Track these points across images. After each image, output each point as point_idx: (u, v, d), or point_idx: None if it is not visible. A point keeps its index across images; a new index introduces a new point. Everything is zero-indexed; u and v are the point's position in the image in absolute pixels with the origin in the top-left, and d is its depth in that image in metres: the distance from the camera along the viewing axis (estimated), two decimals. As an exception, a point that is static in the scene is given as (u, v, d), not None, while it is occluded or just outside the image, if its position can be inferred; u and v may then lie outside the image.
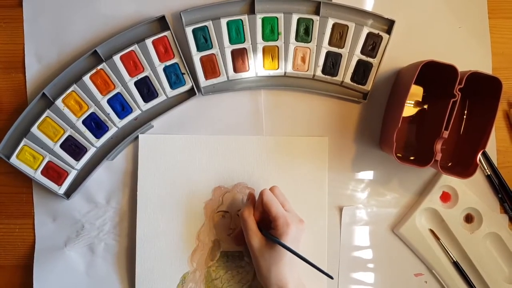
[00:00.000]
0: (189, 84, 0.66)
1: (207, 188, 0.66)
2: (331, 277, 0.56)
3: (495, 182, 0.67)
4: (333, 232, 0.67)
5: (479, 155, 0.61)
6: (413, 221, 0.66)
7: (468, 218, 0.67)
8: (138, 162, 0.66)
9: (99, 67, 0.64)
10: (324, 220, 0.66)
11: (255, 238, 0.58)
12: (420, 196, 0.67)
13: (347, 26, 0.65)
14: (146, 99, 0.66)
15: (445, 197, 0.67)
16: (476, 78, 0.60)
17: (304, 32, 0.65)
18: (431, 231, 0.66)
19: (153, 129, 0.67)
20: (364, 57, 0.66)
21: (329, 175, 0.67)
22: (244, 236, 0.60)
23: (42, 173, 0.64)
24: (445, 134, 0.60)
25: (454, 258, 0.66)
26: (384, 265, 0.67)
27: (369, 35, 0.65)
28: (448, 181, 0.66)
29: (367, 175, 0.68)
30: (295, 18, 0.65)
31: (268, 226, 0.59)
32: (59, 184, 0.65)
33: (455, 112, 0.60)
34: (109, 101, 0.65)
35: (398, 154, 0.66)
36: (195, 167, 0.66)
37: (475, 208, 0.66)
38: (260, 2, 0.65)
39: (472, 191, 0.67)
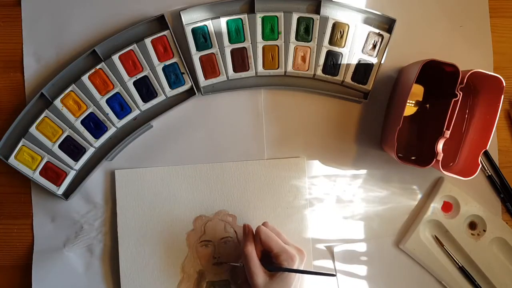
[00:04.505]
0: (188, 84, 0.65)
1: (188, 219, 0.66)
2: (333, 275, 0.58)
3: (497, 182, 0.67)
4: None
5: (481, 155, 0.61)
6: (417, 234, 0.65)
7: (472, 225, 0.67)
8: (116, 198, 0.65)
9: (98, 67, 0.64)
10: (308, 242, 0.66)
11: (260, 275, 0.57)
12: (422, 208, 0.67)
13: (348, 25, 0.65)
14: (145, 99, 0.65)
15: (446, 207, 0.66)
16: (477, 77, 0.60)
17: (305, 31, 0.65)
18: (436, 237, 0.66)
19: (152, 130, 0.67)
20: (365, 57, 0.65)
21: (329, 175, 0.67)
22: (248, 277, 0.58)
23: (41, 173, 0.64)
24: (447, 133, 0.60)
25: (460, 264, 0.65)
26: (390, 282, 0.67)
27: (370, 34, 0.65)
28: (448, 190, 0.66)
29: (368, 175, 0.68)
30: (295, 17, 0.65)
31: (268, 261, 0.59)
32: (58, 184, 0.64)
33: (456, 112, 0.59)
34: (108, 101, 0.64)
35: (399, 154, 0.65)
36: (174, 198, 0.66)
37: (478, 215, 0.65)
38: (260, 1, 0.64)
39: (473, 191, 0.67)
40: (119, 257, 0.65)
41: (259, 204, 0.66)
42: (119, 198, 0.66)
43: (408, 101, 0.60)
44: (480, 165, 0.61)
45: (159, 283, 0.65)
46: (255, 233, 0.59)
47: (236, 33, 0.65)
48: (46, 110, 0.63)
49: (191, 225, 0.66)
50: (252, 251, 0.58)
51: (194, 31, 0.64)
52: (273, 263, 0.58)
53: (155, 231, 0.65)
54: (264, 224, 0.61)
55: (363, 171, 0.68)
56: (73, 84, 0.63)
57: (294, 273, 0.57)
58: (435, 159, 0.60)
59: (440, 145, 0.61)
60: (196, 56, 0.65)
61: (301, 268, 0.59)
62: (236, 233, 0.66)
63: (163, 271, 0.65)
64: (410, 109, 0.66)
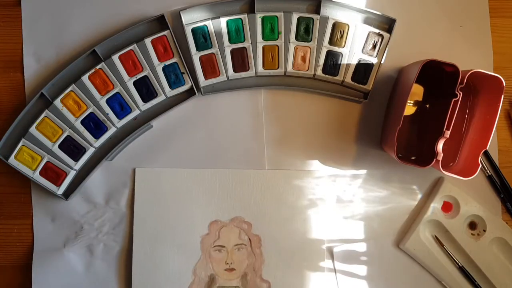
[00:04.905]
0: (188, 84, 0.65)
1: (203, 222, 0.66)
2: None
3: (497, 182, 0.67)
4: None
5: (481, 155, 0.61)
6: (417, 234, 0.65)
7: (472, 225, 0.66)
8: (135, 196, 0.66)
9: (98, 67, 0.64)
10: (323, 255, 0.66)
11: None
12: (422, 208, 0.67)
13: (348, 25, 0.65)
14: (145, 99, 0.65)
15: (446, 207, 0.66)
16: (477, 77, 0.60)
17: (304, 31, 0.65)
18: (436, 237, 0.66)
19: (152, 130, 0.67)
20: (365, 57, 0.65)
21: (329, 175, 0.67)
22: None
23: (41, 173, 0.64)
24: (447, 133, 0.60)
25: (460, 264, 0.65)
26: (390, 282, 0.67)
27: (370, 34, 0.65)
28: (448, 190, 0.66)
29: (368, 175, 0.68)
30: (295, 17, 0.65)
31: None
32: (58, 184, 0.64)
33: (456, 112, 0.59)
34: (108, 101, 0.64)
35: (399, 154, 0.65)
36: (191, 201, 0.66)
37: (478, 215, 0.65)
38: (260, 1, 0.64)
39: (473, 191, 0.67)
40: (132, 256, 0.65)
41: (275, 213, 0.66)
42: (137, 196, 0.66)
43: (408, 101, 0.60)
44: (480, 165, 0.61)
45: (170, 284, 0.65)
46: None
47: (236, 33, 0.65)
48: (46, 110, 0.63)
49: (206, 229, 0.66)
50: None
51: (194, 31, 0.64)
52: None
53: (170, 232, 0.66)
54: None
55: (363, 171, 0.68)
56: (73, 84, 0.63)
57: None
58: (435, 159, 0.60)
59: (440, 145, 0.61)
60: (196, 56, 0.65)
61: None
62: (250, 241, 0.66)
63: (175, 272, 0.65)
64: (410, 109, 0.66)
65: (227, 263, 0.66)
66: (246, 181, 0.66)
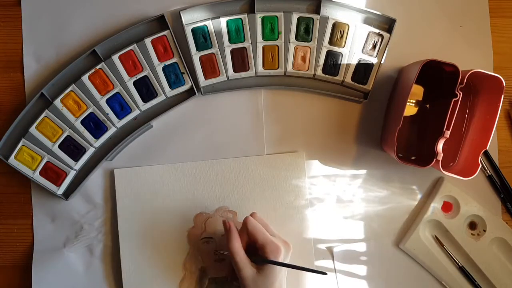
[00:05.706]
0: (188, 84, 0.65)
1: (188, 216, 0.66)
2: (324, 273, 0.56)
3: (497, 182, 0.67)
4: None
5: (481, 155, 0.61)
6: (417, 234, 0.65)
7: (472, 225, 0.66)
8: (116, 197, 0.65)
9: (98, 67, 0.64)
10: (310, 242, 0.66)
11: (248, 269, 0.56)
12: (422, 208, 0.67)
13: (348, 25, 0.65)
14: (145, 99, 0.65)
15: (446, 207, 0.66)
16: (477, 77, 0.60)
17: (304, 31, 0.65)
18: (436, 237, 0.66)
19: (152, 130, 0.67)
20: (365, 57, 0.65)
21: (329, 175, 0.67)
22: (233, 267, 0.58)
23: (41, 173, 0.64)
24: (447, 133, 0.60)
25: (460, 264, 0.65)
26: (390, 282, 0.67)
27: (370, 34, 0.65)
28: (448, 190, 0.66)
29: (368, 175, 0.68)
30: (295, 17, 0.65)
31: (254, 252, 0.58)
32: (58, 184, 0.64)
33: (456, 112, 0.59)
34: (108, 101, 0.64)
35: (399, 154, 0.65)
36: (174, 196, 0.66)
37: (478, 215, 0.65)
38: (260, 1, 0.64)
39: (473, 191, 0.67)
40: (120, 256, 0.65)
41: (259, 200, 0.66)
42: (118, 197, 0.66)
43: (408, 101, 0.60)
44: (480, 165, 0.61)
45: (161, 281, 0.65)
46: (242, 223, 0.59)
47: (236, 33, 0.65)
48: (46, 110, 0.63)
49: (191, 222, 0.66)
50: (238, 246, 0.57)
51: (194, 31, 0.64)
52: (259, 255, 0.57)
53: (155, 229, 0.65)
54: (252, 215, 0.60)
55: (363, 171, 0.68)
56: (73, 84, 0.63)
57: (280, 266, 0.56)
58: (435, 159, 0.60)
59: (440, 145, 0.61)
60: (196, 56, 0.65)
61: (287, 261, 0.58)
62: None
63: (164, 268, 0.65)
64: (410, 109, 0.66)
65: (217, 254, 0.66)
66: (226, 170, 0.66)
